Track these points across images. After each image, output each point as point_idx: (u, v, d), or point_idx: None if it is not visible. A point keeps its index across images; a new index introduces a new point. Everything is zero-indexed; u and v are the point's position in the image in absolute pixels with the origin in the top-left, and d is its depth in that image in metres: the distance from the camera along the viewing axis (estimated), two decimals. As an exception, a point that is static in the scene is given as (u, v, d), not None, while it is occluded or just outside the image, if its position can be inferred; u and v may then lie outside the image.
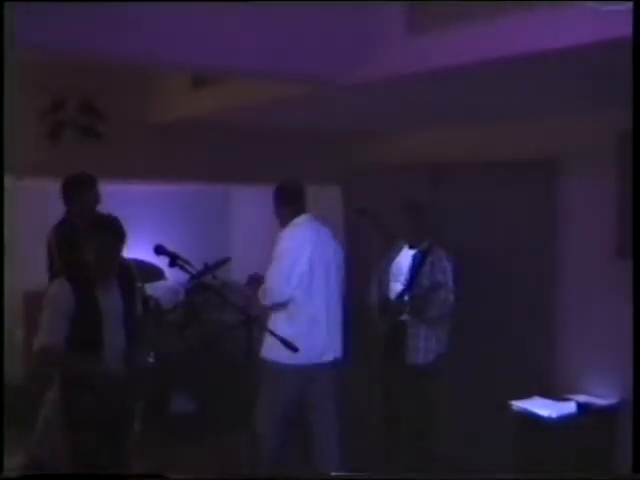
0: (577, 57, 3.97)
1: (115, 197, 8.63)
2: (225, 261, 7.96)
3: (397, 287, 6.12)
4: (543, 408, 5.81)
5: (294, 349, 4.18)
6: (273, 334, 4.22)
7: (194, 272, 4.46)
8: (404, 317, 6.01)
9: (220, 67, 4.91)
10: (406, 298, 5.99)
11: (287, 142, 7.61)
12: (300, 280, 5.38)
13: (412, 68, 4.52)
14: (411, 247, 6.20)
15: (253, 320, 4.39)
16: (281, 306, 5.40)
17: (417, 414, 6.11)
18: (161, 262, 6.81)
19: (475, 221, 6.86)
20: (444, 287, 5.97)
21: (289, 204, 5.66)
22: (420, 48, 4.44)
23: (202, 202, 9.28)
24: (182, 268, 4.47)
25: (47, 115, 6.54)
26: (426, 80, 4.72)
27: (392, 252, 6.30)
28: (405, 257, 6.21)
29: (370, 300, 6.32)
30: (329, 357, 5.52)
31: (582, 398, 5.94)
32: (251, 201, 9.45)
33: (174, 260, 4.57)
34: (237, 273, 8.85)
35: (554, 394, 6.04)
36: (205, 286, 6.47)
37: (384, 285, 6.24)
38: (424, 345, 6.05)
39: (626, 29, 3.32)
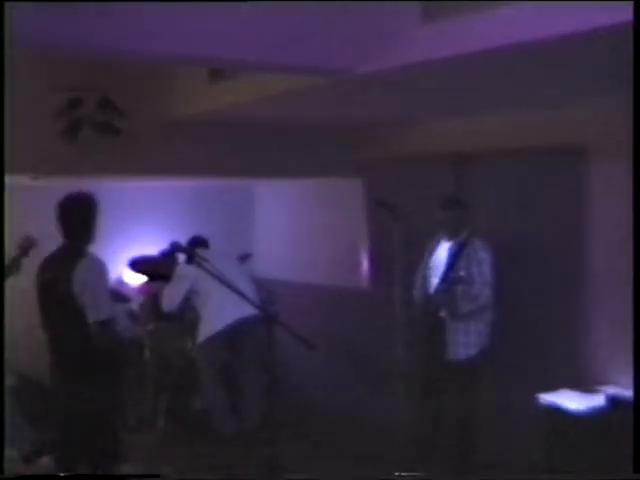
0: (603, 40, 3.87)
1: (135, 194, 8.67)
2: (246, 257, 7.93)
3: (435, 282, 6.08)
4: (571, 401, 5.73)
5: (311, 346, 4.12)
6: (291, 332, 4.14)
7: (211, 269, 4.38)
8: (442, 313, 5.94)
9: (236, 60, 4.84)
10: (440, 294, 5.93)
11: (306, 135, 7.53)
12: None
13: (430, 56, 4.44)
14: (449, 240, 6.16)
15: (272, 317, 4.32)
16: None
17: (462, 411, 6.03)
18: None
19: (499, 210, 6.77)
20: (475, 281, 5.89)
21: None
22: (437, 36, 4.35)
23: (223, 197, 9.22)
24: (199, 265, 4.42)
25: (64, 113, 6.47)
26: (445, 68, 4.65)
27: (433, 245, 6.29)
28: (443, 250, 6.17)
29: (414, 295, 6.31)
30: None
31: (611, 390, 5.85)
32: (273, 195, 9.40)
33: (191, 257, 4.54)
34: (259, 269, 8.79)
35: (582, 386, 5.95)
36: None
37: (426, 280, 6.22)
38: (464, 340, 5.97)
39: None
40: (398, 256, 6.17)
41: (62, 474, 4.50)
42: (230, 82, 6.08)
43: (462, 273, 5.91)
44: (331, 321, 7.86)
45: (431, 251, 6.29)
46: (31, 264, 7.65)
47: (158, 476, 3.92)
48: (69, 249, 5.11)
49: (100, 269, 5.03)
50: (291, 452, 5.62)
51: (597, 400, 5.73)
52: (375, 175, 7.75)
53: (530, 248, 6.54)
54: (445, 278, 5.98)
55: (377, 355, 6.88)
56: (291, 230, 8.95)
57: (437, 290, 6.03)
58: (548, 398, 5.85)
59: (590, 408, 5.64)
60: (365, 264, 8.09)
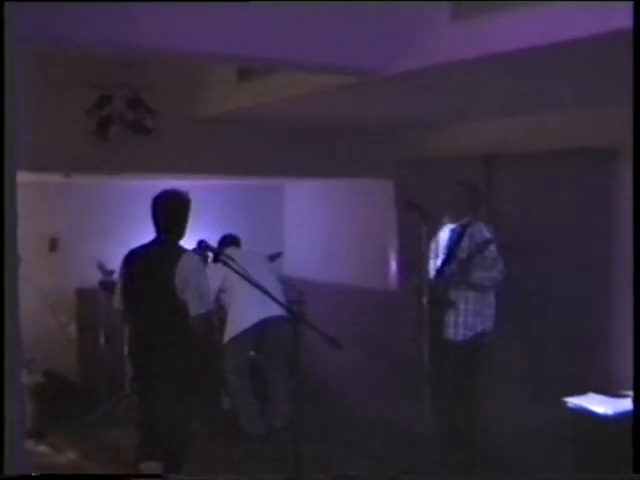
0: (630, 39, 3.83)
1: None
2: (276, 256, 7.93)
3: (436, 263, 6.06)
4: (598, 404, 5.66)
5: (338, 345, 4.12)
6: (317, 331, 4.14)
7: (237, 268, 4.39)
8: (444, 293, 5.91)
9: (266, 58, 4.84)
10: (446, 272, 5.92)
11: (335, 135, 7.52)
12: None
13: (459, 56, 4.40)
14: (451, 223, 6.19)
15: (299, 317, 4.32)
16: None
17: (458, 397, 5.99)
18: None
19: (531, 212, 6.73)
20: (486, 257, 5.86)
21: None
22: (466, 35, 4.32)
23: (253, 196, 9.24)
24: (225, 264, 4.43)
25: (94, 111, 6.50)
26: (475, 68, 4.61)
27: (434, 230, 6.25)
28: (445, 233, 6.22)
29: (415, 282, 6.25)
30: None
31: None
32: (303, 195, 9.40)
33: (217, 256, 4.55)
34: (289, 268, 8.80)
35: (610, 390, 5.89)
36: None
37: (425, 263, 6.13)
38: (463, 320, 5.92)
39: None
40: (426, 258, 6.14)
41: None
42: (259, 81, 6.08)
43: (468, 251, 5.92)
44: (359, 321, 7.86)
45: (432, 236, 6.20)
46: (60, 263, 7.80)
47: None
48: (164, 243, 5.19)
49: (200, 264, 5.20)
50: (317, 452, 5.64)
51: (625, 404, 5.67)
52: (405, 176, 7.73)
53: (560, 249, 6.50)
54: (450, 257, 6.01)
55: (404, 356, 6.85)
56: (321, 230, 8.95)
57: (440, 270, 6.04)
58: (575, 402, 5.80)
59: (618, 412, 5.58)
60: (394, 265, 8.07)
